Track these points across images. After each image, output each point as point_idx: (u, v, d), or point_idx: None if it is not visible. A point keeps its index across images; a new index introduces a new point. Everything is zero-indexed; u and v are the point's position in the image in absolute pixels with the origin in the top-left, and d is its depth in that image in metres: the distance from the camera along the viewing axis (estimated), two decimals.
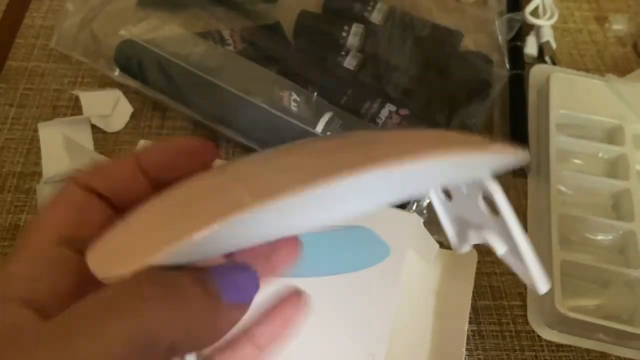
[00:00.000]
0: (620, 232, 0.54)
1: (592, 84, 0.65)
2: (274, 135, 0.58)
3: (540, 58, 0.71)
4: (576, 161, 0.60)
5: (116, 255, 0.21)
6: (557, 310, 0.48)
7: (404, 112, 0.59)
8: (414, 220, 0.48)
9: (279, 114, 0.57)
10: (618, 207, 0.57)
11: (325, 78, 0.62)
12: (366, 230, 0.47)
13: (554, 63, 0.70)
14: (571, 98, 0.63)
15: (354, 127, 0.56)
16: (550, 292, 0.49)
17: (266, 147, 0.59)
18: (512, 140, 0.62)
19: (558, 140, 0.59)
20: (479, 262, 0.49)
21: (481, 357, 0.47)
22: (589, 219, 0.54)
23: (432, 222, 0.53)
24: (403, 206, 0.52)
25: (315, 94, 0.58)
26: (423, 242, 0.49)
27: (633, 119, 0.61)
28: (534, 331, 0.49)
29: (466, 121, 0.58)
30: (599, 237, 0.55)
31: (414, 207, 0.52)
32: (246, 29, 0.65)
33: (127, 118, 0.61)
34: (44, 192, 0.53)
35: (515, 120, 0.63)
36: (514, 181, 0.59)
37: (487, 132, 0.64)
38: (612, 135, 0.62)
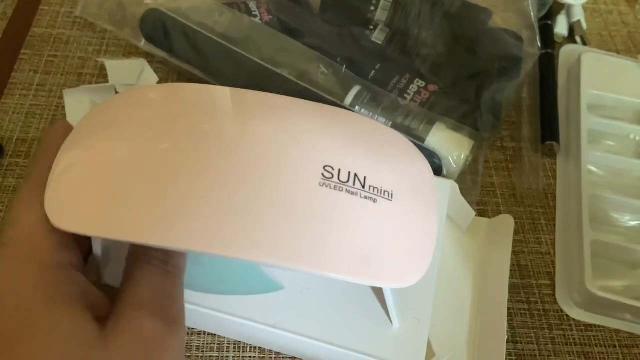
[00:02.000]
0: None
1: (623, 64, 0.64)
2: None
3: (570, 38, 0.70)
4: (607, 142, 0.59)
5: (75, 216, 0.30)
6: (586, 290, 0.47)
7: (432, 87, 0.58)
8: (450, 187, 0.47)
9: (307, 86, 0.56)
10: None
11: (353, 52, 0.61)
12: None
13: (584, 43, 0.69)
14: (602, 79, 0.62)
15: (382, 100, 0.55)
16: (580, 271, 0.48)
17: None
18: (542, 120, 0.61)
19: (589, 121, 0.58)
20: None
21: (509, 334, 0.47)
22: (619, 200, 0.54)
23: (467, 190, 0.53)
24: (437, 172, 0.52)
25: (344, 66, 0.57)
26: (459, 209, 0.48)
27: None
28: (562, 310, 0.49)
29: (496, 97, 0.57)
30: (629, 219, 0.54)
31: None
32: (273, 1, 0.64)
33: None
34: None
35: (545, 100, 0.62)
36: (543, 161, 0.58)
37: (516, 110, 0.63)
38: None
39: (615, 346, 0.47)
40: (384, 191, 0.35)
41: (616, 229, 0.54)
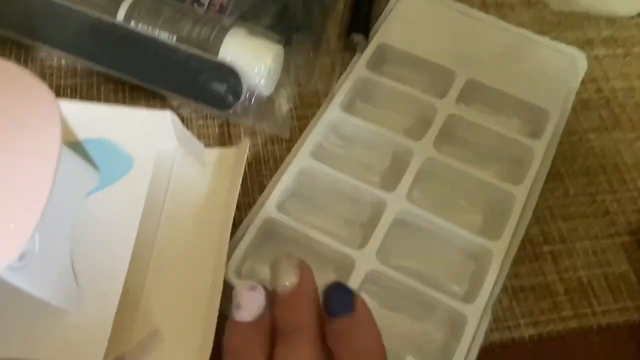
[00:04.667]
0: None
1: None
2: (66, 30, 0.46)
3: None
4: None
5: None
6: None
7: None
8: (170, 119, 0.39)
9: (64, 3, 0.44)
10: None
11: None
12: (103, 142, 0.38)
13: None
14: None
15: (162, 11, 0.45)
16: None
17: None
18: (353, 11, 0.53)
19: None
20: None
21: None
22: None
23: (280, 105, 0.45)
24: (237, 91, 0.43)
25: None
26: (187, 143, 0.42)
27: None
28: None
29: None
30: None
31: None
32: None
33: None
34: None
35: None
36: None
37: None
38: None
39: None
40: None
41: None
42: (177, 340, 0.36)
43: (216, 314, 0.35)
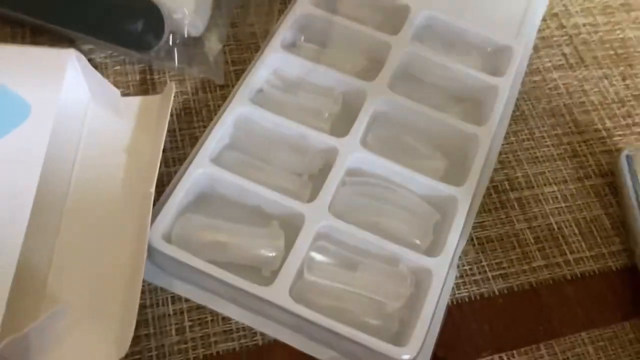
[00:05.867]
0: None
1: None
2: None
3: None
4: None
5: None
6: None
7: None
8: (66, 58, 0.33)
9: None
10: None
11: None
12: None
13: None
14: None
15: None
16: None
17: None
18: None
19: None
20: None
21: None
22: None
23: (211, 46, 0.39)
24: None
25: None
26: (100, 88, 0.36)
27: None
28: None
29: None
30: None
31: None
32: None
33: None
34: None
35: None
36: None
37: None
38: None
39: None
40: None
41: None
42: (94, 314, 0.30)
43: (140, 283, 0.29)
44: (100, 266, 0.31)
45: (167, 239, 0.32)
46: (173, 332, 0.31)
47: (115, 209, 0.33)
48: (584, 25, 0.48)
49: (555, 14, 0.48)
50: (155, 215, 0.32)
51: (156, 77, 0.40)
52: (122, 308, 0.30)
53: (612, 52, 0.47)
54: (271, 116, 0.37)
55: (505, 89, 0.40)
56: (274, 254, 0.32)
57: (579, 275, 0.36)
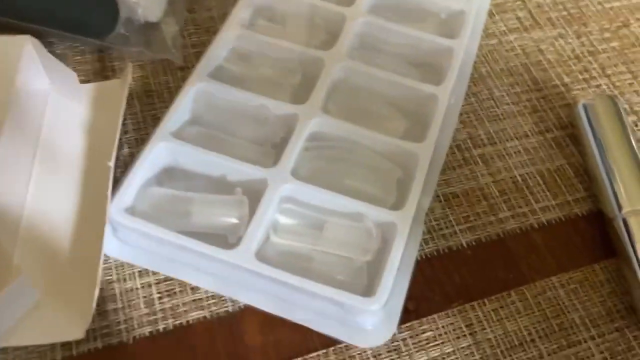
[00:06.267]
0: None
1: None
2: None
3: None
4: None
5: None
6: None
7: None
8: (22, 44, 0.34)
9: None
10: None
11: None
12: None
13: None
14: None
15: None
16: None
17: None
18: None
19: None
20: None
21: None
22: None
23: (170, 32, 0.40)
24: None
25: None
26: (58, 73, 0.36)
27: None
28: None
29: None
30: None
31: None
32: None
33: None
34: None
35: None
36: None
37: None
38: None
39: None
40: None
41: None
42: (57, 290, 0.30)
43: (100, 254, 0.29)
44: (62, 241, 0.31)
45: (131, 212, 0.32)
46: (141, 304, 0.31)
47: (77, 184, 0.33)
48: None
49: None
50: (117, 191, 0.32)
51: (116, 64, 0.40)
52: (87, 281, 0.30)
53: (565, 13, 0.48)
54: (230, 89, 0.37)
55: (460, 49, 0.41)
56: (238, 221, 0.33)
57: (545, 223, 0.37)
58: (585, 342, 0.32)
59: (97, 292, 0.29)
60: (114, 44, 0.39)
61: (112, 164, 0.31)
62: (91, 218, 0.32)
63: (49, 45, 0.40)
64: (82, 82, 0.38)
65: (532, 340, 0.32)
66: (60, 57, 0.40)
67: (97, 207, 0.32)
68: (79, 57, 0.40)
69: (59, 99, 0.37)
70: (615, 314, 0.33)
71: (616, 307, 0.34)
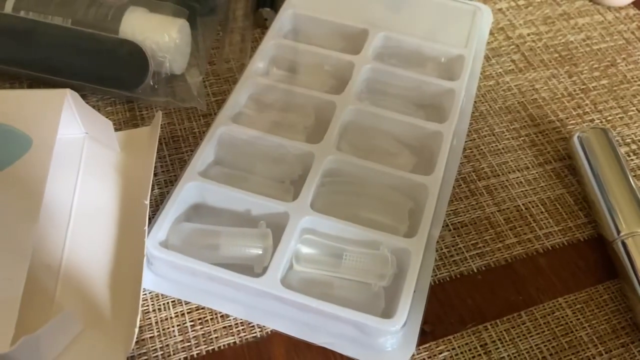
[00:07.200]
0: None
1: None
2: None
3: None
4: None
5: None
6: None
7: None
8: (61, 96, 0.38)
9: None
10: None
11: None
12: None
13: None
14: None
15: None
16: None
17: None
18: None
19: None
20: None
21: None
22: None
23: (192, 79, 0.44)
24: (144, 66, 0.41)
25: None
26: (94, 122, 0.40)
27: None
28: None
29: None
30: None
31: None
32: None
33: None
34: None
35: None
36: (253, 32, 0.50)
37: None
38: None
39: None
40: None
41: None
42: (100, 320, 0.32)
43: (140, 285, 0.32)
44: (103, 276, 0.34)
45: (164, 246, 0.35)
46: (176, 332, 0.34)
47: (114, 223, 0.36)
48: (529, 35, 0.53)
49: (502, 28, 0.53)
50: (152, 227, 0.35)
51: (144, 112, 0.44)
52: (126, 311, 0.32)
53: (556, 55, 0.51)
54: (250, 131, 0.40)
55: (461, 90, 0.44)
56: (263, 252, 0.35)
57: (550, 248, 0.39)
58: (594, 358, 0.34)
59: (138, 319, 0.31)
60: (142, 95, 0.43)
61: (147, 201, 0.34)
62: (128, 253, 0.35)
63: (83, 97, 0.44)
64: (115, 130, 0.41)
65: (544, 358, 0.34)
66: (94, 108, 0.43)
67: (134, 242, 0.34)
68: (110, 108, 0.44)
69: (94, 146, 0.40)
70: (620, 331, 0.35)
71: (620, 324, 0.36)
